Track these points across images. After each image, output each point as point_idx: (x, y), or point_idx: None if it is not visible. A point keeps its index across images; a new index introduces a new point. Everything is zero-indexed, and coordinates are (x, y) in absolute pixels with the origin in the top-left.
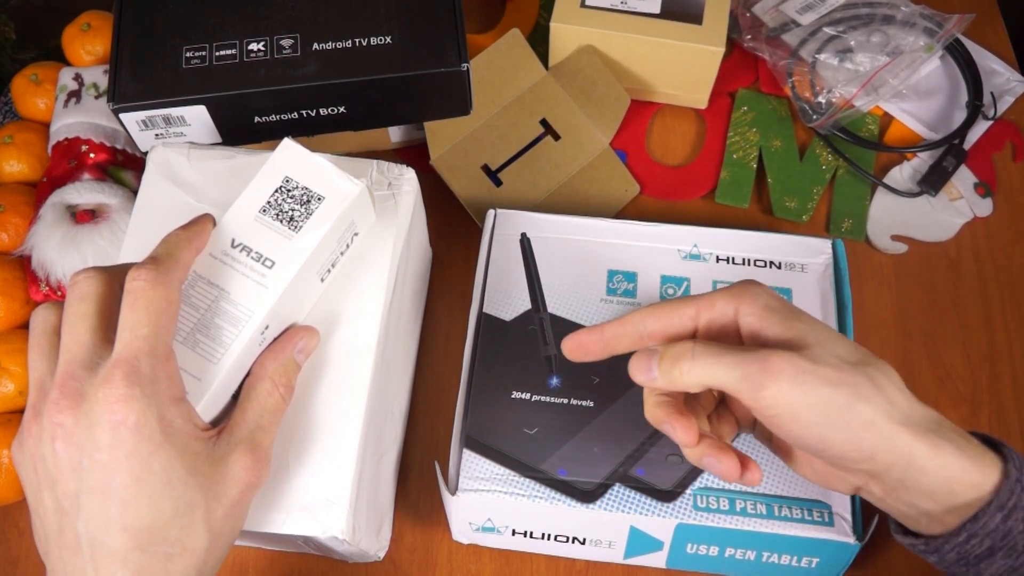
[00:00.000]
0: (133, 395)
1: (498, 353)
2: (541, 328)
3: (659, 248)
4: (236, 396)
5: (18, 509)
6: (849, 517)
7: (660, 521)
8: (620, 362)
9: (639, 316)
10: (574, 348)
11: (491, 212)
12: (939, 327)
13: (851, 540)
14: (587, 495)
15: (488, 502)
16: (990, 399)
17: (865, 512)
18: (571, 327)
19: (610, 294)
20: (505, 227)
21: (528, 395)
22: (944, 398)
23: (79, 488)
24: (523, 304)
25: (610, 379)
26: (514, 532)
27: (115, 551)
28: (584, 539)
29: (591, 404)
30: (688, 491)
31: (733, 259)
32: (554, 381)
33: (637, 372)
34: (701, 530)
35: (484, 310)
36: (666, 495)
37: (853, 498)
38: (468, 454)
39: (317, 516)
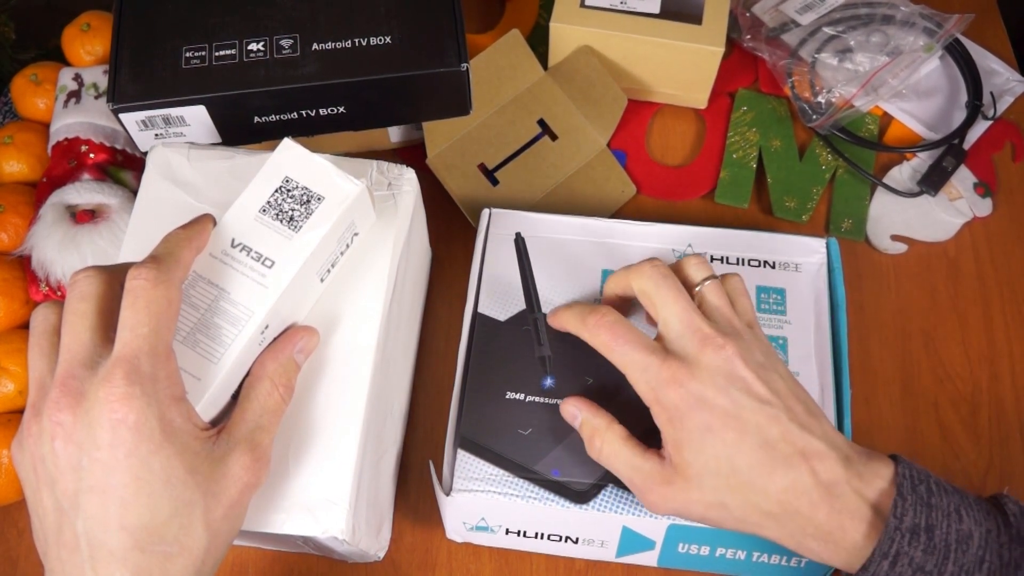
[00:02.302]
0: (133, 394)
1: (492, 353)
2: (535, 328)
3: (654, 248)
4: (236, 396)
5: (18, 509)
6: None
7: (652, 522)
8: (613, 365)
9: (599, 340)
10: (554, 323)
11: (486, 211)
12: (939, 327)
13: None
14: (580, 496)
15: (482, 502)
16: (990, 399)
17: None
18: None
19: None
20: (500, 226)
21: (522, 396)
22: (944, 398)
23: (78, 487)
24: (518, 304)
25: (604, 380)
26: (507, 531)
27: (114, 550)
28: (577, 538)
29: None
30: None
31: (727, 259)
32: (548, 382)
33: (564, 416)
34: (693, 531)
35: (479, 310)
36: None
37: None
38: (462, 454)
39: (317, 516)
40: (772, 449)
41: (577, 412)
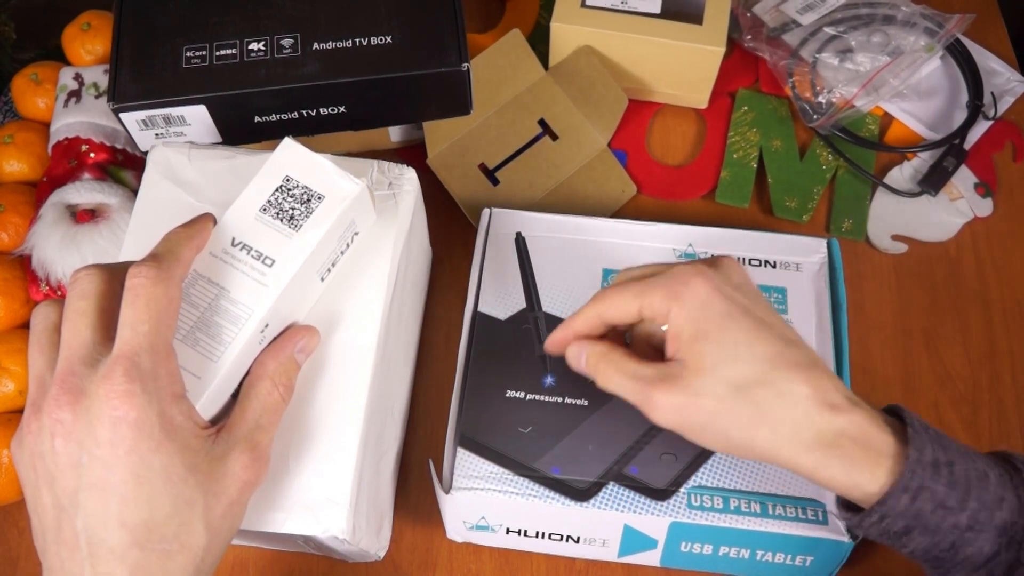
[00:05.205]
0: (134, 391)
1: (493, 352)
2: (536, 327)
3: (654, 247)
4: (236, 395)
5: (18, 509)
6: None
7: (654, 520)
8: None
9: (596, 309)
10: (553, 347)
11: (486, 211)
12: (939, 327)
13: (845, 539)
14: (581, 494)
15: (482, 500)
16: (990, 399)
17: None
18: None
19: None
20: (500, 226)
21: (522, 394)
22: (944, 398)
23: (78, 485)
24: (518, 303)
25: None
26: (508, 530)
27: (113, 548)
28: (578, 538)
29: (585, 403)
30: (682, 490)
31: None
32: (548, 380)
33: (571, 363)
34: (695, 529)
35: (479, 309)
36: (660, 494)
37: None
38: (462, 452)
39: (317, 515)
40: (791, 345)
41: (580, 350)
